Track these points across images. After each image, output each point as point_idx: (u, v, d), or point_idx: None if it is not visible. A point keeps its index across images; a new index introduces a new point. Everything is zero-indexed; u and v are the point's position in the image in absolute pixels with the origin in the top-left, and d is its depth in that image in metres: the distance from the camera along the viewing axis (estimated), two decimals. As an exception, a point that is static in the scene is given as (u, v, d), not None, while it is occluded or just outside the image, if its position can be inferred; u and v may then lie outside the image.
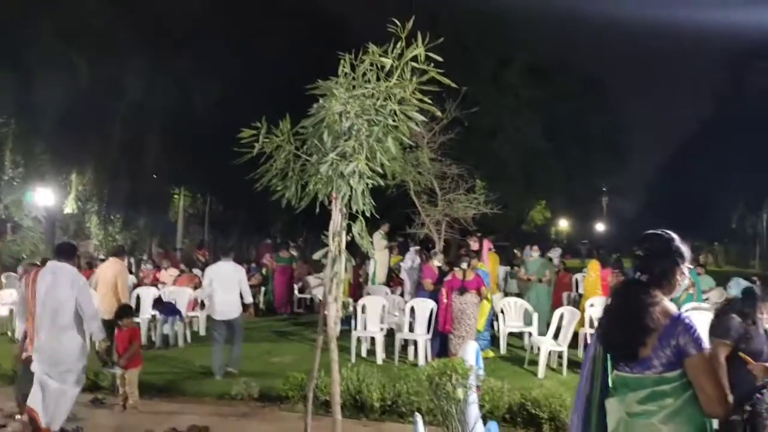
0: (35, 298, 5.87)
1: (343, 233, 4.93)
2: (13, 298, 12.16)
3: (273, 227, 33.36)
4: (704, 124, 43.01)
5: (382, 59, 4.55)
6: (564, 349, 9.33)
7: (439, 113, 5.94)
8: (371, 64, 4.63)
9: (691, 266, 3.25)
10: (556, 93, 27.11)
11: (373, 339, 10.29)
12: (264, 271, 17.32)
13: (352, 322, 10.54)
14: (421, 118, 4.77)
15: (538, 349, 9.57)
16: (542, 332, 10.31)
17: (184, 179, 27.95)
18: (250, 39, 25.09)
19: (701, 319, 4.56)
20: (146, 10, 21.89)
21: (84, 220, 25.73)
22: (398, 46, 4.49)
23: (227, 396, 7.79)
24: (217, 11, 24.57)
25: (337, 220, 4.91)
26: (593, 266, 11.76)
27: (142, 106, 22.30)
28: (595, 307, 10.10)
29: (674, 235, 2.92)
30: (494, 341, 11.16)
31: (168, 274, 15.25)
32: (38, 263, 8.41)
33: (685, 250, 2.90)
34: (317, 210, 4.96)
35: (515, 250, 20.84)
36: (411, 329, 10.23)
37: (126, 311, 7.89)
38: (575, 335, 9.85)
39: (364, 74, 4.66)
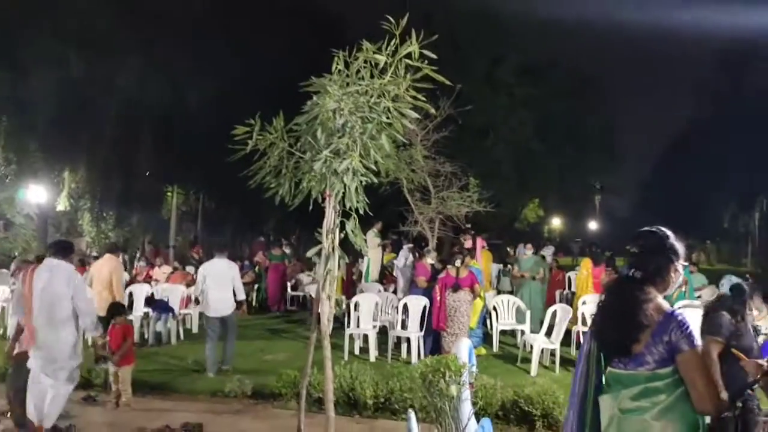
0: (32, 295, 5.86)
1: (337, 231, 4.94)
2: (6, 296, 12.13)
3: (266, 225, 33.29)
4: (697, 124, 43.08)
5: (376, 56, 4.55)
6: (557, 346, 9.35)
7: (432, 111, 5.96)
8: (365, 62, 4.63)
9: (686, 264, 3.26)
10: (549, 92, 27.12)
11: (366, 336, 10.29)
12: (257, 268, 17.31)
13: (345, 319, 10.54)
14: (414, 115, 4.78)
15: (531, 346, 9.59)
16: (535, 330, 10.33)
17: (177, 176, 27.86)
18: (244, 36, 25.02)
19: (693, 317, 4.58)
20: (140, 8, 21.81)
21: (76, 218, 25.62)
22: (392, 43, 4.49)
23: (220, 393, 7.79)
24: (210, 8, 24.49)
25: (330, 217, 4.91)
26: (585, 264, 11.80)
27: (135, 103, 22.25)
28: (588, 304, 10.14)
29: (669, 233, 2.93)
30: (487, 339, 11.19)
31: (161, 271, 15.24)
32: (31, 259, 8.37)
33: (680, 247, 2.90)
34: (311, 207, 4.96)
35: (508, 248, 20.89)
36: (404, 327, 10.25)
37: (118, 309, 7.87)
38: (568, 333, 9.89)
39: (358, 71, 4.66)
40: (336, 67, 4.71)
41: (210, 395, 7.88)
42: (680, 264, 2.90)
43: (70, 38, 19.95)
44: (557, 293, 14.16)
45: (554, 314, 9.71)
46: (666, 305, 2.77)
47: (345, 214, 4.89)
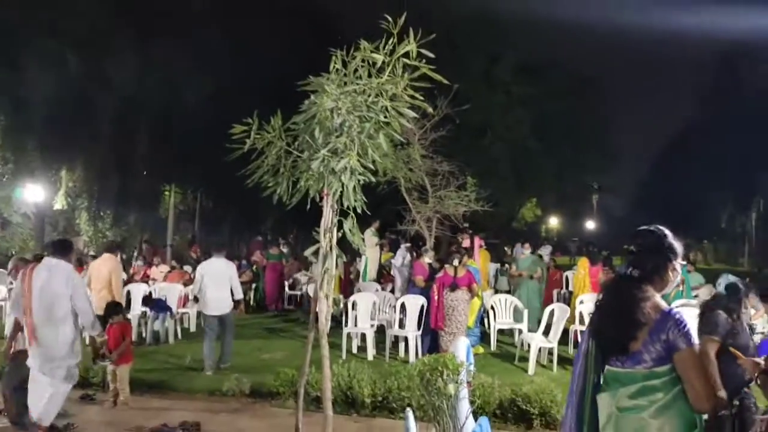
0: (31, 294, 5.86)
1: (335, 230, 4.94)
2: (2, 294, 12.12)
3: (264, 224, 33.29)
4: (695, 124, 43.14)
5: (374, 55, 4.55)
6: (554, 345, 9.37)
7: (430, 110, 5.96)
8: (363, 61, 4.63)
9: (684, 263, 3.26)
10: (547, 91, 27.16)
11: (363, 335, 10.30)
12: (254, 267, 17.31)
13: (343, 318, 10.55)
14: (412, 114, 4.78)
15: (529, 345, 9.61)
16: (533, 329, 10.34)
17: (174, 176, 27.83)
18: (241, 35, 24.98)
19: (690, 316, 4.59)
20: (137, 7, 21.77)
21: (74, 217, 25.61)
22: (390, 42, 4.49)
23: (218, 392, 7.79)
24: (208, 7, 24.47)
25: (328, 216, 4.91)
26: (582, 263, 11.82)
27: (132, 102, 22.21)
28: (585, 303, 10.16)
29: (667, 232, 2.93)
30: (484, 338, 11.20)
31: (158, 270, 15.22)
32: (28, 257, 8.36)
33: (678, 246, 2.91)
34: (308, 206, 4.96)
35: (505, 248, 20.91)
36: (401, 326, 10.25)
37: (116, 308, 7.86)
38: (565, 332, 9.90)
39: (356, 70, 4.66)
40: (334, 66, 4.71)
41: (208, 394, 7.88)
42: (678, 263, 2.90)
43: (68, 37, 19.91)
44: (555, 292, 14.19)
45: (552, 313, 9.72)
46: (663, 304, 2.78)
47: (343, 213, 4.89)
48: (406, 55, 4.51)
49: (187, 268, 15.95)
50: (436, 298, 9.48)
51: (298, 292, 16.32)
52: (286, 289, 16.52)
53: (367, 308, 10.45)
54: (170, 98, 22.30)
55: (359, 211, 4.84)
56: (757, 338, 7.84)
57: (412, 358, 9.50)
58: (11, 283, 9.27)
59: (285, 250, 17.45)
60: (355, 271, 15.35)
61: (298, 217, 21.72)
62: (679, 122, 47.80)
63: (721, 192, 40.09)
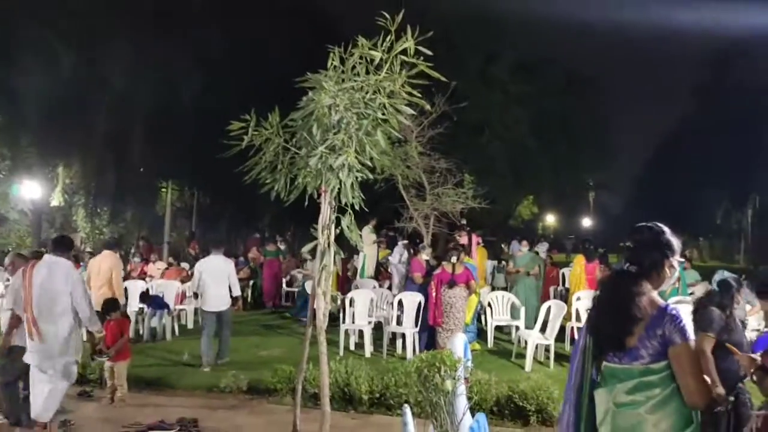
0: (31, 291, 5.86)
1: (332, 226, 4.95)
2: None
3: (261, 221, 33.25)
4: (690, 121, 43.15)
5: (372, 53, 4.56)
6: (551, 342, 9.39)
7: (428, 107, 5.95)
8: (361, 58, 4.64)
9: (681, 260, 3.27)
10: (544, 89, 27.19)
11: (361, 332, 10.32)
12: (252, 264, 17.30)
13: (340, 315, 10.56)
14: (410, 111, 4.79)
15: (526, 342, 9.63)
16: (530, 326, 10.36)
17: (171, 172, 27.74)
18: (239, 32, 24.92)
19: (686, 312, 4.61)
20: (134, 4, 21.71)
21: (71, 213, 25.56)
22: (388, 39, 4.50)
23: (216, 388, 7.80)
24: (206, 4, 24.41)
25: (326, 213, 4.93)
26: (578, 261, 11.83)
27: (129, 98, 22.12)
28: (582, 300, 10.18)
29: (665, 228, 2.94)
30: (481, 335, 11.22)
31: (156, 267, 15.21)
32: (25, 254, 8.35)
33: (676, 243, 2.91)
34: (306, 203, 4.97)
35: (502, 245, 20.92)
36: (399, 322, 10.27)
37: (113, 305, 7.86)
38: (562, 329, 9.93)
39: (354, 67, 4.67)
40: (331, 63, 4.71)
41: (205, 390, 7.89)
42: (675, 260, 2.91)
43: (64, 33, 19.85)
44: (551, 289, 14.20)
45: (549, 310, 9.74)
46: (660, 300, 2.79)
47: (340, 210, 4.90)
48: (404, 52, 4.53)
49: (185, 264, 15.94)
50: (433, 294, 9.50)
51: (296, 289, 16.32)
52: (284, 285, 16.53)
53: (364, 305, 10.46)
54: (167, 95, 22.22)
55: (357, 208, 4.85)
56: (750, 335, 7.88)
57: (409, 354, 9.52)
58: (8, 279, 9.26)
59: (282, 247, 17.43)
60: (353, 268, 15.34)
61: (295, 214, 21.70)
62: (675, 120, 47.75)
63: (717, 189, 40.10)
